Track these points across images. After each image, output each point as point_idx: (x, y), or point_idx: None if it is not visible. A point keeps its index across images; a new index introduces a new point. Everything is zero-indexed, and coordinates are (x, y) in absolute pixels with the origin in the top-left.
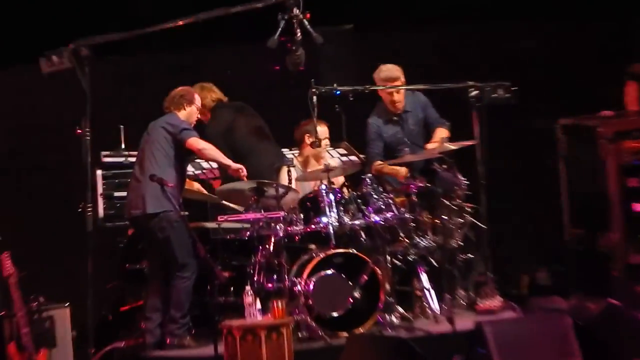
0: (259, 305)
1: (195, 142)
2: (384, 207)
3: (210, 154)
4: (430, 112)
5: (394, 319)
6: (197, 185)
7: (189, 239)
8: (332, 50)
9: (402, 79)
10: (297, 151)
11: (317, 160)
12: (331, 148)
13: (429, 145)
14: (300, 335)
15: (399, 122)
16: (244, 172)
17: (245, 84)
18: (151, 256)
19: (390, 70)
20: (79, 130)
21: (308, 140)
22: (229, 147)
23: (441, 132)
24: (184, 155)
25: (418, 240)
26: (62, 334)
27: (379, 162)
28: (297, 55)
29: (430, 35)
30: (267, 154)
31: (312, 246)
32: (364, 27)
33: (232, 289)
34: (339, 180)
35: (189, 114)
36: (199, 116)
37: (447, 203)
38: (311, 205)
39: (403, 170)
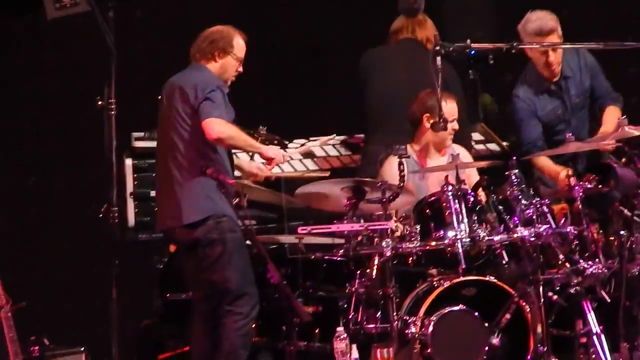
0: (355, 354)
1: (211, 125)
2: (536, 217)
3: (233, 144)
4: (600, 82)
5: None
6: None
7: (249, 259)
8: None
9: (559, 31)
10: (412, 137)
11: (440, 150)
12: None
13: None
14: None
15: (557, 93)
16: (279, 159)
17: (332, 37)
18: (195, 283)
19: (542, 19)
20: (100, 103)
21: (428, 121)
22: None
23: (613, 113)
24: None
25: (584, 265)
26: None
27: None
28: None
29: None
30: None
31: (433, 271)
32: None
33: (317, 331)
34: (472, 178)
35: (221, 67)
36: (239, 69)
37: (627, 213)
38: (432, 214)
39: (561, 171)
